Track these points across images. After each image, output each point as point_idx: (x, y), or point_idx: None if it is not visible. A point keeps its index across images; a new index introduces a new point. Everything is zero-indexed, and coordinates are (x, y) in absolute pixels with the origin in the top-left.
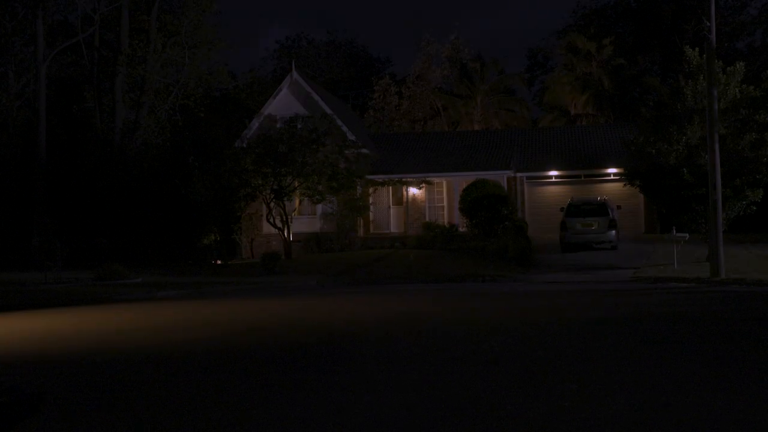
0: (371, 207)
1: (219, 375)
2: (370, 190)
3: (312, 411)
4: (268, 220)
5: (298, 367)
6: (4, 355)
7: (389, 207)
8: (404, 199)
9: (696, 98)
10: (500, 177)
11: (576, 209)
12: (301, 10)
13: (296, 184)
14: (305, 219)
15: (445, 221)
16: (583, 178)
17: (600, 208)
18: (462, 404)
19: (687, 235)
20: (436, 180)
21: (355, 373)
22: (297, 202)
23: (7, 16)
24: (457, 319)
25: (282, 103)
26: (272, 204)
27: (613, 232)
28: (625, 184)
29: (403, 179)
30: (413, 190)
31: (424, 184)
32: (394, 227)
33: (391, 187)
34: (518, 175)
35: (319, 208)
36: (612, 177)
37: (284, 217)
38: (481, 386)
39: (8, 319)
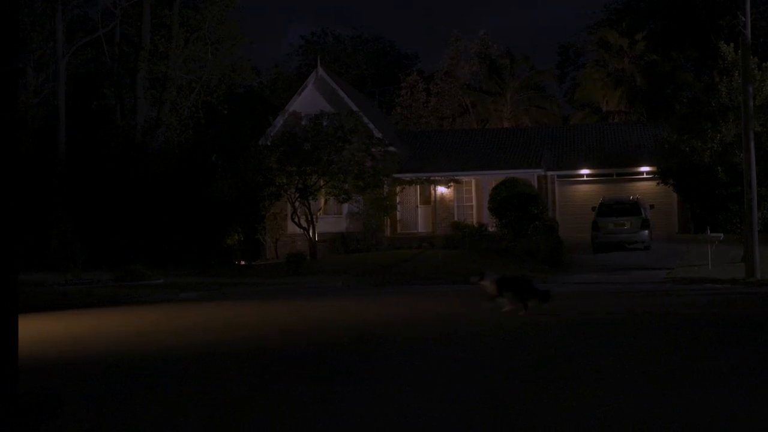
0: (398, 206)
1: (244, 377)
2: (398, 189)
3: (338, 418)
4: (292, 220)
5: (324, 372)
6: (23, 357)
7: (417, 206)
8: (432, 199)
9: (731, 95)
10: (530, 175)
11: (608, 208)
12: (318, 7)
13: (322, 183)
14: (331, 218)
15: (474, 221)
16: (615, 177)
17: (632, 208)
18: (494, 408)
19: (722, 234)
20: (464, 179)
21: (385, 375)
22: (322, 201)
23: (26, 11)
24: (486, 320)
25: (307, 100)
26: (297, 203)
27: (646, 231)
28: (658, 183)
29: (431, 178)
30: (441, 189)
31: (452, 183)
32: (421, 227)
33: (418, 186)
34: (549, 173)
35: (345, 207)
36: (645, 176)
37: (309, 216)
38: (514, 389)
39: (27, 321)
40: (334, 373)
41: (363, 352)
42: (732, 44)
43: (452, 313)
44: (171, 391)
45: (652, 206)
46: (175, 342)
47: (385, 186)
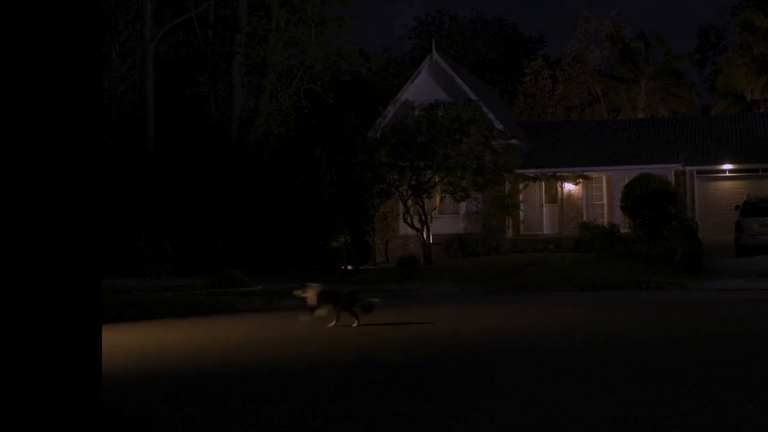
0: (521, 205)
1: (342, 394)
2: (520, 186)
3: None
4: (404, 220)
5: (430, 389)
6: (108, 372)
7: (542, 205)
8: (559, 197)
9: None
10: (667, 171)
11: (753, 207)
12: None
13: (437, 179)
14: (447, 219)
15: (605, 221)
16: (760, 172)
17: None
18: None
19: None
20: (594, 175)
21: (502, 395)
22: (437, 199)
23: None
24: (620, 331)
25: (420, 88)
26: (410, 202)
27: None
28: None
29: (558, 174)
30: (569, 186)
31: (581, 180)
32: (547, 228)
33: (543, 183)
34: (687, 169)
35: (463, 206)
36: None
37: (423, 216)
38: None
39: (115, 331)
40: (444, 390)
41: (477, 367)
42: None
43: (584, 322)
44: (269, 410)
45: None
46: (276, 354)
47: (506, 183)
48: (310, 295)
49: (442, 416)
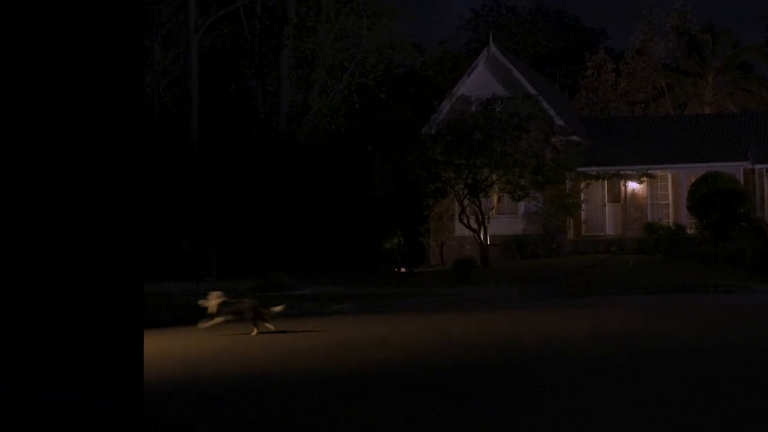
0: (583, 205)
1: (398, 404)
2: (582, 184)
3: None
4: (460, 220)
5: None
6: (150, 379)
7: (604, 205)
8: (622, 196)
9: None
10: (735, 169)
11: None
12: None
13: (494, 177)
14: (504, 219)
15: (670, 221)
16: None
17: None
18: None
19: None
20: (659, 173)
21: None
22: (495, 198)
23: None
24: (695, 337)
25: (477, 82)
26: (466, 201)
27: None
28: None
29: (621, 172)
30: (632, 185)
31: (645, 178)
32: (609, 228)
33: (606, 182)
34: (757, 167)
35: (521, 206)
36: None
37: (480, 216)
38: None
39: (156, 337)
40: (487, 399)
41: (519, 375)
42: None
43: (644, 329)
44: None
45: None
46: (326, 362)
47: (567, 181)
48: (211, 303)
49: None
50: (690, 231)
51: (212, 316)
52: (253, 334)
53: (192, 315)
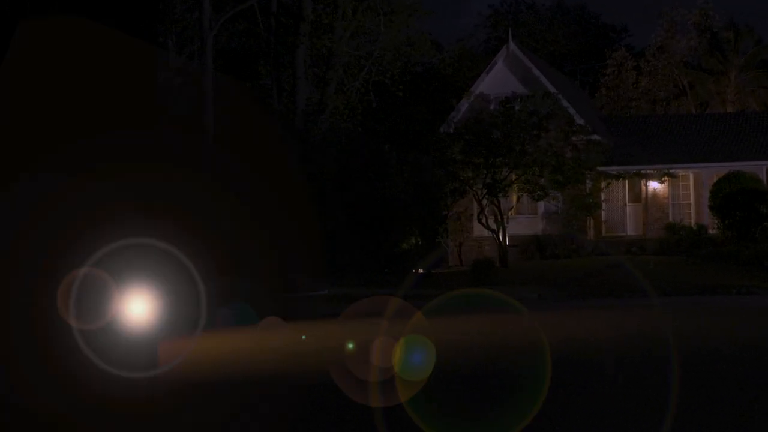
0: (603, 205)
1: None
2: (602, 184)
3: None
4: (479, 221)
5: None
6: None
7: (625, 205)
8: (643, 196)
9: None
10: (758, 169)
11: None
12: None
13: (513, 177)
14: (524, 219)
15: (692, 222)
16: None
17: None
18: None
19: None
20: (681, 172)
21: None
22: (514, 198)
23: None
24: (711, 337)
25: (496, 80)
26: (485, 201)
27: None
28: None
29: (642, 171)
30: (654, 185)
31: (666, 178)
32: (630, 229)
33: (627, 181)
34: None
35: (541, 206)
36: None
37: (499, 216)
38: None
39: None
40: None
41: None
42: None
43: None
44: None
45: None
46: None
47: (587, 181)
48: None
49: None
50: (712, 231)
51: None
52: None
53: None
